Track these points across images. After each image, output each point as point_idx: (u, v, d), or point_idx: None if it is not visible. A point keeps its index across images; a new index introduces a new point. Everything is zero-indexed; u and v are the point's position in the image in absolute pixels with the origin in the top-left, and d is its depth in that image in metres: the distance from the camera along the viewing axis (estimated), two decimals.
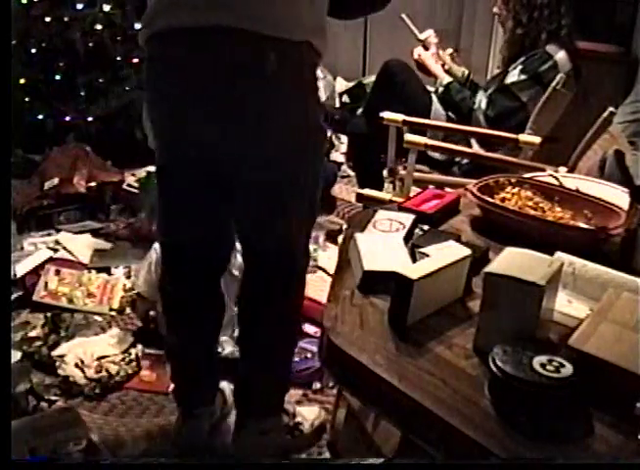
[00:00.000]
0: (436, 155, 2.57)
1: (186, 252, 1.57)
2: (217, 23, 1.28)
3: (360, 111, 2.84)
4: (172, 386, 1.84)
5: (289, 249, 1.54)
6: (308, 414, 1.83)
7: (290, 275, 1.58)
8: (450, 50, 2.84)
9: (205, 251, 1.58)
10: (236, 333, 2.03)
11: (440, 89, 2.65)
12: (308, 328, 2.15)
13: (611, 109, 2.04)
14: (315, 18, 1.37)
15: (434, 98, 2.69)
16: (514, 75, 2.49)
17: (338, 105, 3.87)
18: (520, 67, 2.48)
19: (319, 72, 3.27)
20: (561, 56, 2.44)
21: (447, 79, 2.66)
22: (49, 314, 2.25)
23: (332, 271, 1.26)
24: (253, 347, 1.67)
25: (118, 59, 3.36)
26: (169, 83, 1.38)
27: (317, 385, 2.02)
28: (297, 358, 1.99)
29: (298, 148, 1.42)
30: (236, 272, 2.11)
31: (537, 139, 2.31)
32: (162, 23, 1.34)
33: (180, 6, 1.33)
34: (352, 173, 3.33)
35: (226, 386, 1.88)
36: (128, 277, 2.52)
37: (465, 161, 2.56)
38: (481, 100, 2.52)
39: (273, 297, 1.59)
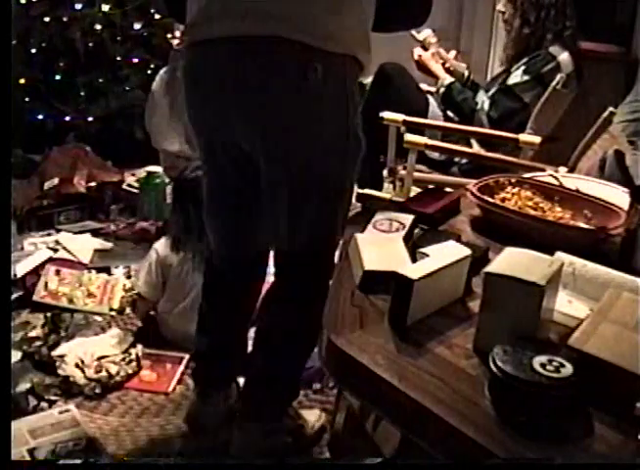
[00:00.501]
0: (435, 155, 2.57)
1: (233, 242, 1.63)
2: (267, 34, 1.29)
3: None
4: (193, 365, 1.90)
5: (320, 254, 1.54)
6: (310, 417, 1.83)
7: (317, 281, 1.55)
8: (454, 52, 2.84)
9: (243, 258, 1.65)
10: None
11: (442, 89, 2.65)
12: None
13: (611, 109, 2.04)
14: (361, 32, 1.39)
15: (431, 99, 2.69)
16: (517, 76, 2.48)
17: None
18: (523, 67, 2.48)
19: None
20: (564, 57, 2.44)
21: (449, 80, 2.66)
22: (49, 314, 2.26)
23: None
24: (270, 350, 1.66)
25: (118, 59, 3.36)
26: (214, 90, 1.38)
27: (317, 385, 2.02)
28: None
29: (338, 156, 1.44)
30: None
31: (537, 139, 2.31)
32: (209, 31, 1.35)
33: (229, 15, 1.33)
34: None
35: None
36: (128, 277, 2.52)
37: (464, 160, 2.56)
38: (484, 101, 2.52)
39: (298, 301, 1.58)
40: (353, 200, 1.69)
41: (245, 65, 1.32)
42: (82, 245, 2.73)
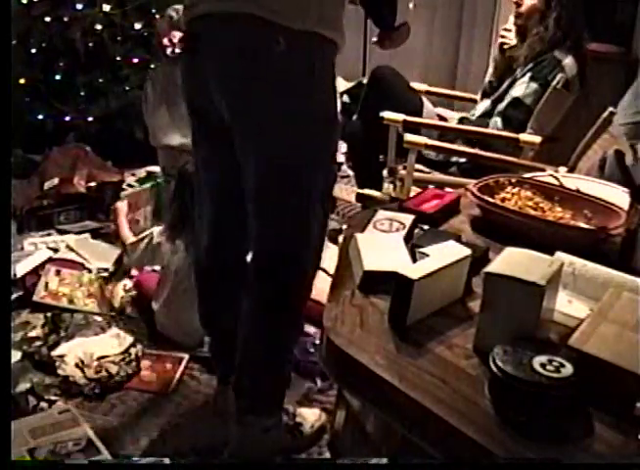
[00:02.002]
0: (432, 154, 2.57)
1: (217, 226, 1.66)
2: (237, 11, 1.41)
3: (355, 117, 2.86)
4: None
5: (292, 247, 1.55)
6: (309, 416, 1.83)
7: (291, 274, 1.58)
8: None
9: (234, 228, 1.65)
10: None
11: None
12: (308, 328, 2.15)
13: (611, 109, 2.04)
14: (327, 11, 1.44)
15: (425, 99, 2.70)
16: (523, 84, 2.47)
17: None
18: (529, 74, 2.46)
19: None
20: (568, 60, 2.43)
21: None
22: (49, 314, 2.26)
23: (332, 271, 1.26)
24: (251, 345, 1.66)
25: (118, 59, 3.36)
26: (195, 60, 1.50)
27: (318, 384, 2.02)
28: (311, 350, 2.05)
29: (303, 137, 1.45)
30: None
31: (537, 139, 2.31)
32: (197, 10, 1.48)
33: None
34: (352, 173, 3.33)
35: None
36: (130, 277, 2.52)
37: (462, 160, 2.56)
38: (496, 121, 2.50)
39: (273, 298, 1.59)
40: (353, 200, 1.70)
41: (219, 37, 1.44)
42: (86, 246, 2.73)
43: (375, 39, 1.80)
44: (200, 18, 1.48)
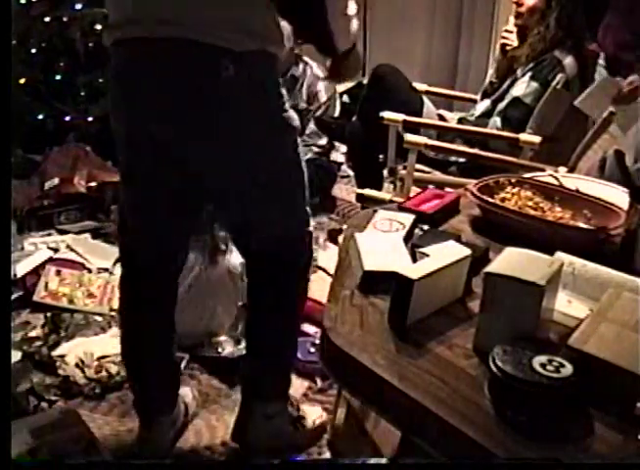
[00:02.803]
0: (431, 153, 2.57)
1: (144, 257, 1.61)
2: (178, 36, 1.33)
3: (355, 117, 2.87)
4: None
5: (276, 248, 1.56)
6: (311, 412, 1.85)
7: (286, 271, 1.61)
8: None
9: (163, 258, 1.62)
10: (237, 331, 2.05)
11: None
12: (308, 328, 2.16)
13: (611, 108, 2.04)
14: (270, 28, 1.40)
15: (425, 99, 2.70)
16: (524, 83, 2.47)
17: (337, 112, 3.87)
18: (529, 74, 2.46)
19: (320, 73, 3.27)
20: (569, 60, 2.43)
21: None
22: (49, 314, 2.26)
23: (332, 271, 1.26)
24: (256, 340, 1.70)
25: None
26: (136, 89, 1.42)
27: (318, 384, 2.02)
28: (311, 350, 2.06)
29: (265, 150, 1.46)
30: (229, 272, 2.13)
31: (537, 139, 2.31)
32: (125, 32, 1.40)
33: (143, 17, 1.37)
34: (352, 173, 3.33)
35: (188, 392, 1.88)
36: None
37: (462, 160, 2.56)
38: (496, 120, 2.50)
39: (272, 291, 1.63)
40: (353, 200, 1.70)
41: (159, 66, 1.37)
42: (91, 248, 2.73)
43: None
44: (134, 41, 1.38)
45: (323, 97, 3.28)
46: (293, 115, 1.50)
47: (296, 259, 1.62)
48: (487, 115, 2.59)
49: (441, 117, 2.78)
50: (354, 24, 1.51)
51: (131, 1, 1.39)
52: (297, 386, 2.00)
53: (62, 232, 2.90)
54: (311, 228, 1.64)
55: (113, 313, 2.36)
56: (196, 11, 1.33)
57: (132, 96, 1.43)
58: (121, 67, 1.43)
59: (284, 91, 1.48)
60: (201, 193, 1.53)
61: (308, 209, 1.62)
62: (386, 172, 2.64)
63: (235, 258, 2.14)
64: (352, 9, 1.47)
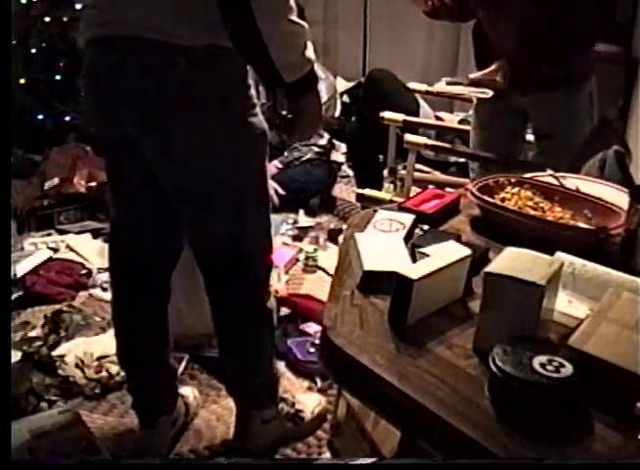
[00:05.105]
0: (430, 154, 2.58)
1: (131, 252, 1.60)
2: (131, 35, 1.34)
3: (354, 118, 2.87)
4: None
5: (230, 251, 1.52)
6: (308, 402, 1.85)
7: (238, 277, 1.56)
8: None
9: (149, 252, 1.60)
10: None
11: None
12: (309, 328, 2.16)
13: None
14: (215, 20, 1.32)
15: (421, 100, 2.70)
16: None
17: (338, 113, 3.87)
18: None
19: (320, 73, 3.27)
20: None
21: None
22: (49, 314, 2.25)
23: (332, 271, 1.26)
24: (227, 347, 1.68)
25: None
26: (98, 87, 1.45)
27: (318, 384, 2.02)
28: (311, 350, 2.05)
29: (218, 150, 1.42)
30: None
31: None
32: (91, 33, 1.42)
33: (105, 19, 1.39)
34: (352, 173, 3.34)
35: (189, 392, 1.88)
36: None
37: (462, 160, 2.57)
38: None
39: (229, 299, 1.59)
40: (353, 200, 1.68)
41: (118, 62, 1.37)
42: (91, 248, 2.73)
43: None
44: (96, 41, 1.41)
45: (323, 97, 3.28)
46: (258, 121, 1.44)
47: (236, 271, 1.55)
48: None
49: (439, 119, 2.78)
50: (309, 51, 1.30)
51: (97, 5, 1.42)
52: (298, 386, 2.00)
53: (62, 232, 2.90)
54: (260, 246, 1.57)
55: None
56: (146, 9, 1.33)
57: (95, 94, 1.47)
58: (87, 66, 1.46)
59: (253, 93, 1.44)
60: (164, 190, 1.49)
61: (262, 226, 1.55)
62: (386, 172, 2.64)
63: None
64: (295, 29, 1.28)
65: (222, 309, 1.62)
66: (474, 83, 2.13)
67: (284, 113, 1.43)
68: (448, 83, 2.40)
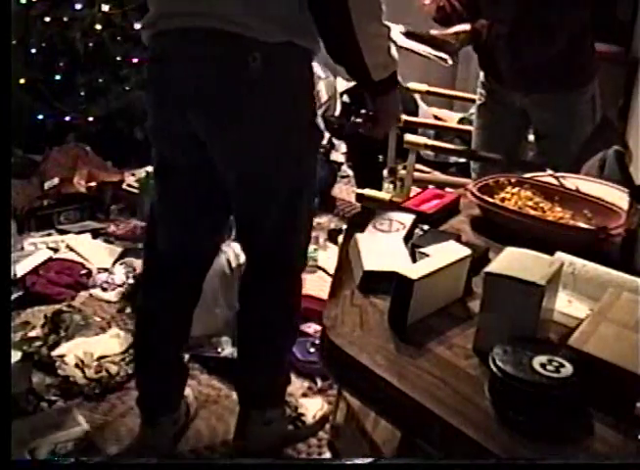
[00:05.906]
0: (430, 155, 2.58)
1: (174, 255, 1.60)
2: (208, 27, 1.34)
3: (353, 118, 2.87)
4: None
5: (280, 247, 1.55)
6: (311, 406, 1.85)
7: (281, 273, 1.59)
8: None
9: (193, 255, 1.62)
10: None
11: None
12: (308, 328, 2.15)
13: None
14: (299, 21, 1.37)
15: (419, 100, 2.70)
16: None
17: (338, 112, 3.87)
18: None
19: (321, 73, 3.27)
20: None
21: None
22: (49, 314, 2.25)
23: (332, 271, 1.26)
24: (250, 343, 1.69)
25: (118, 59, 3.36)
26: (167, 81, 1.43)
27: (318, 384, 2.02)
28: (311, 350, 2.05)
29: (286, 147, 1.43)
30: (228, 272, 2.12)
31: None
32: (163, 25, 1.41)
33: (176, 10, 1.39)
34: (352, 173, 3.33)
35: (189, 392, 1.88)
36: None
37: (462, 160, 2.57)
38: None
39: (267, 293, 1.61)
40: (353, 200, 1.68)
41: (192, 54, 1.37)
42: (91, 248, 2.73)
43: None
44: (168, 33, 1.40)
45: (324, 96, 3.28)
46: (320, 123, 1.47)
47: (281, 267, 1.58)
48: None
49: (438, 118, 2.78)
50: (393, 50, 1.37)
51: None
52: (298, 386, 2.00)
53: (62, 232, 2.90)
54: (307, 238, 1.61)
55: (113, 314, 2.36)
56: (223, 2, 1.33)
57: (162, 85, 1.44)
58: (156, 58, 1.45)
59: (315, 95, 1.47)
60: (223, 183, 1.50)
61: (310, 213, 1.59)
62: (385, 172, 2.64)
63: (234, 259, 2.14)
64: (384, 30, 1.34)
65: (257, 305, 1.63)
66: (430, 39, 2.10)
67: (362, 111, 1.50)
68: (406, 33, 2.34)
